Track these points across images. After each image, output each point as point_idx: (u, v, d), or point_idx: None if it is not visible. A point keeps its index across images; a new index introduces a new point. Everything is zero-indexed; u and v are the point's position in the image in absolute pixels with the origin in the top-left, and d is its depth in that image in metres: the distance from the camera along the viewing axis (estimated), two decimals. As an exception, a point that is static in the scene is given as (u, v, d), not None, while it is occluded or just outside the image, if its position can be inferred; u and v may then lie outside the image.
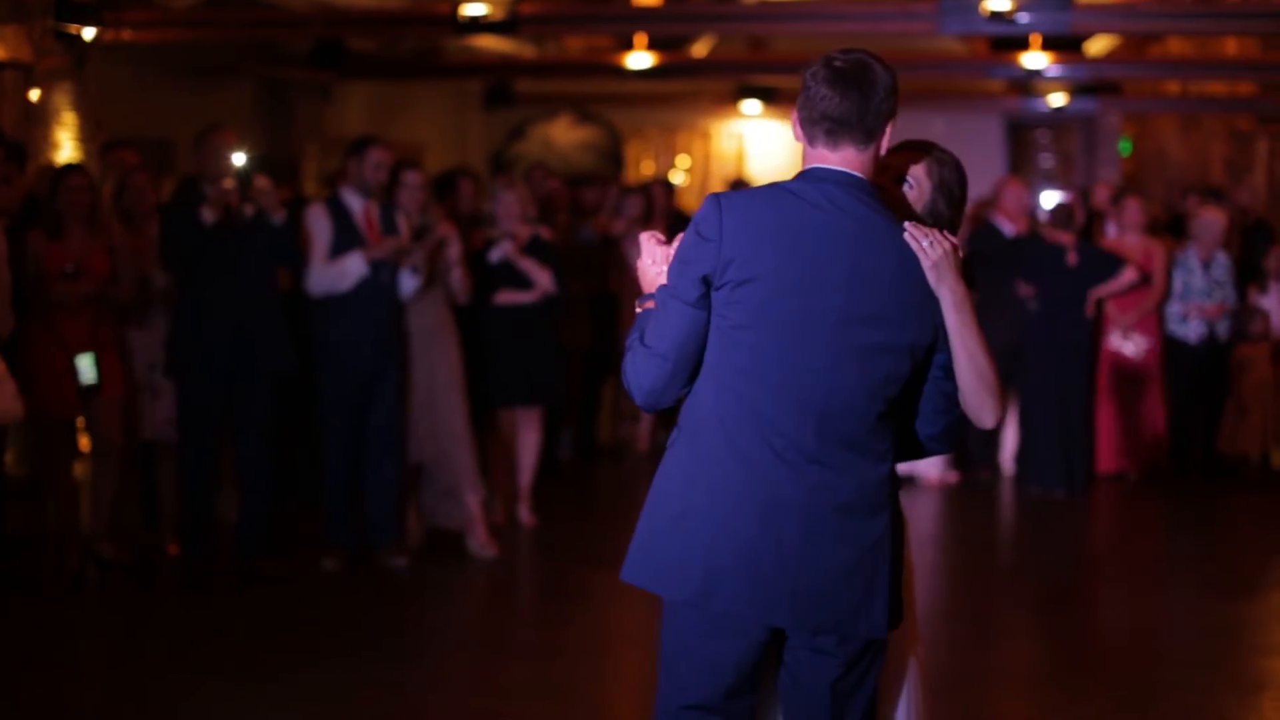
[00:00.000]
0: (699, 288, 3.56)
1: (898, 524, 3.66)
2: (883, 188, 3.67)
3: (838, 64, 3.58)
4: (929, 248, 3.54)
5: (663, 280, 3.66)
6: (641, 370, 3.64)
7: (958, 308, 3.56)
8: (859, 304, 3.54)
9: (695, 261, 3.56)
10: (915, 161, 3.78)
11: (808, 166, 3.64)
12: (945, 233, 3.62)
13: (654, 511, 3.68)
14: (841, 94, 3.55)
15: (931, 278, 3.55)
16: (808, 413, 3.55)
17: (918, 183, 3.75)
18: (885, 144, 3.64)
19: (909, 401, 3.72)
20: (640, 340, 3.66)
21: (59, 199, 7.95)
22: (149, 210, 8.50)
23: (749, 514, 3.57)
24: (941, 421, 3.74)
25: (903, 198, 3.74)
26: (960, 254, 3.60)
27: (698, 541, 3.59)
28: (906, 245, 3.56)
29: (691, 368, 3.62)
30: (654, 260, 3.75)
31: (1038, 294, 10.88)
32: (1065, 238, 10.88)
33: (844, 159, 3.59)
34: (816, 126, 3.60)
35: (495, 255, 9.15)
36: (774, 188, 3.61)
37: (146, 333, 8.43)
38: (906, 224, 3.58)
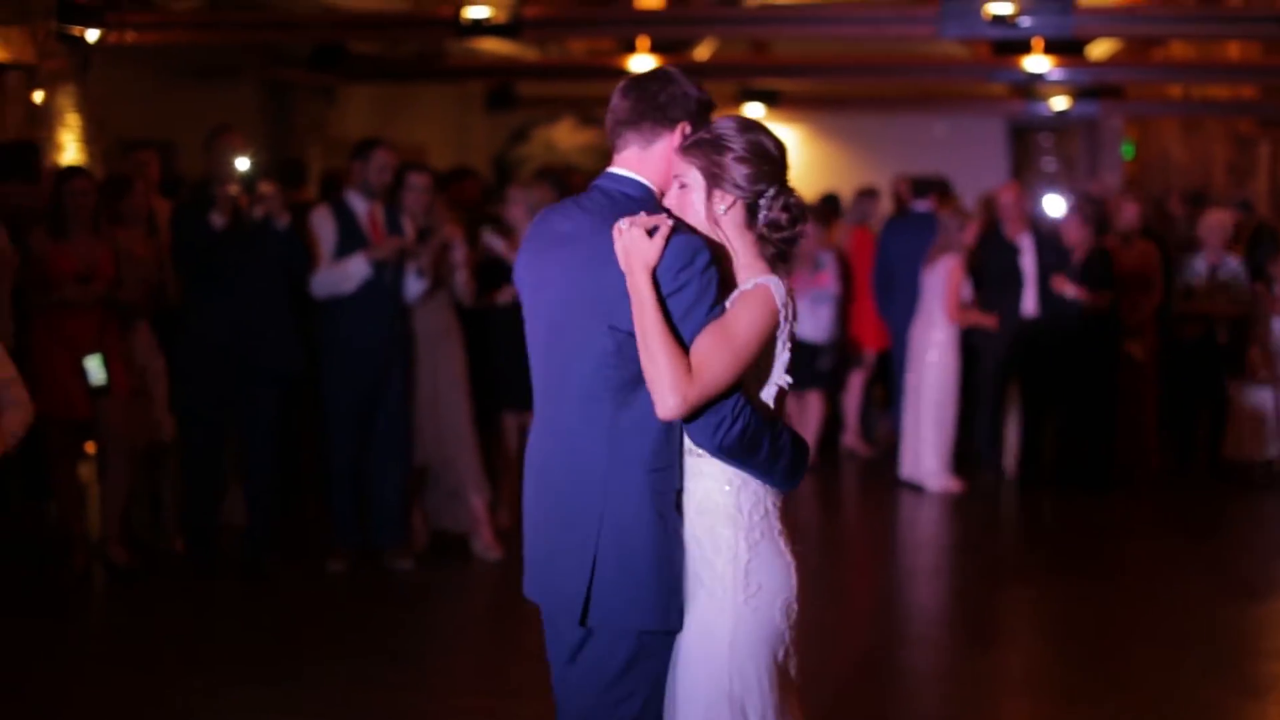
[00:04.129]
0: None
1: (640, 520, 3.53)
2: (656, 195, 3.67)
3: (638, 76, 3.71)
4: (620, 235, 3.48)
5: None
6: None
7: (633, 290, 3.46)
8: (571, 292, 3.61)
9: None
10: (681, 160, 3.62)
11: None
12: (665, 216, 3.51)
13: None
14: (624, 95, 3.66)
15: (620, 263, 3.49)
16: (548, 391, 3.71)
17: (691, 180, 3.60)
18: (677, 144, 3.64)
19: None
20: None
21: (63, 201, 7.93)
22: (141, 214, 8.50)
23: (529, 486, 3.77)
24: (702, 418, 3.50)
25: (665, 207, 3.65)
26: (665, 234, 3.44)
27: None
28: None
29: None
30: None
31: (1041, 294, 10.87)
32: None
33: (625, 159, 3.69)
34: (611, 133, 3.71)
35: (488, 241, 9.09)
36: (574, 196, 3.80)
37: (131, 336, 8.43)
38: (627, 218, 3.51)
